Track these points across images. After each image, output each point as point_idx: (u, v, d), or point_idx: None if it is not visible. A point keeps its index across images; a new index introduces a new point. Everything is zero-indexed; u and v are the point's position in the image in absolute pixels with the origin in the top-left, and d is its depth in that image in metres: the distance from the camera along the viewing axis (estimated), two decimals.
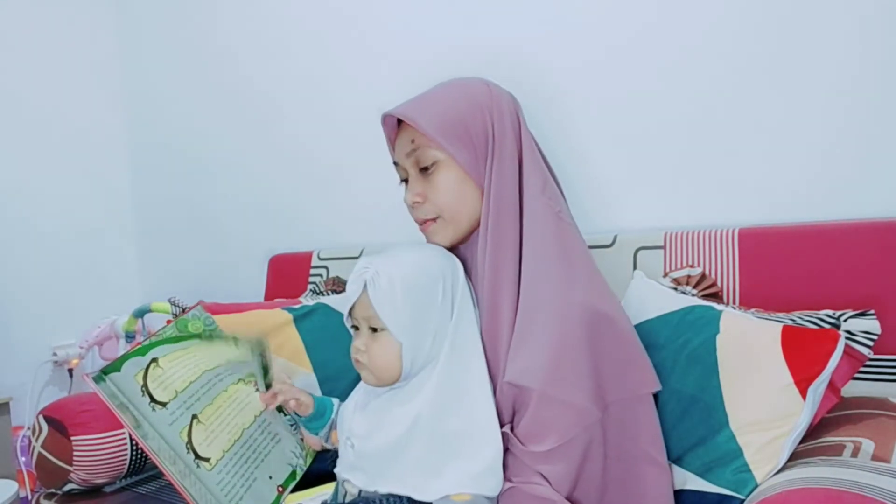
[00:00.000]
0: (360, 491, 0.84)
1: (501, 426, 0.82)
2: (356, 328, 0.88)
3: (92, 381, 0.87)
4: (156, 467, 1.25)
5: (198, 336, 1.01)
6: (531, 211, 0.88)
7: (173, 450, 0.88)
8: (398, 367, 0.84)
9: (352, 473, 0.86)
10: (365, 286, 0.83)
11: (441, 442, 0.80)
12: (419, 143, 0.89)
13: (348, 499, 0.86)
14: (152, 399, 0.90)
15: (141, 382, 0.90)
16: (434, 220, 0.92)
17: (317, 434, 0.98)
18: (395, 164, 0.96)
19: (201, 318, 1.04)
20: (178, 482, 0.85)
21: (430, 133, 0.87)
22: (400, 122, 0.94)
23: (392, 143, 0.97)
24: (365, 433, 0.85)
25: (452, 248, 0.94)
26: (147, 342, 0.95)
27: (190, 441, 0.90)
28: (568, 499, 0.78)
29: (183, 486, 0.85)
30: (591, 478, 0.81)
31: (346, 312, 0.89)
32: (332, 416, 0.97)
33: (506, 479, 0.80)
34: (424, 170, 0.90)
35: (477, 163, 0.89)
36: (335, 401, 0.99)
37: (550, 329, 0.80)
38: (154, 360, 0.93)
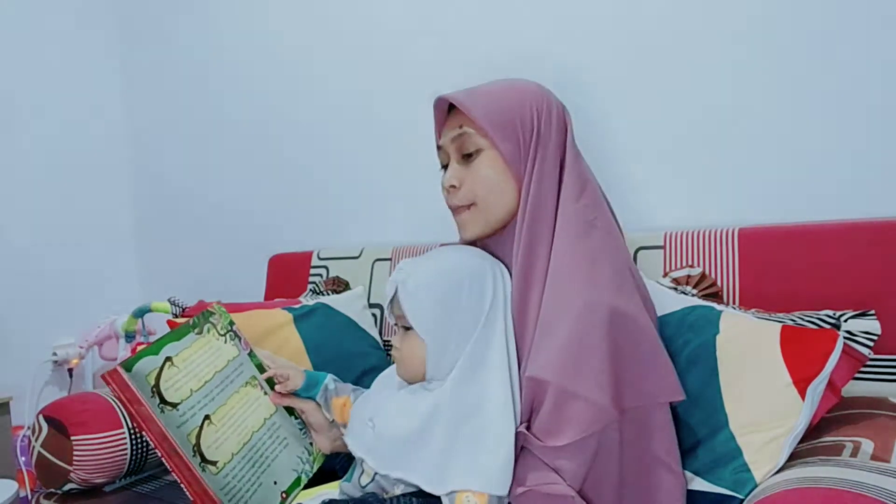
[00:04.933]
0: (376, 473, 0.86)
1: (518, 425, 0.82)
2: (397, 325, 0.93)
3: (123, 371, 0.85)
4: (158, 466, 1.26)
5: (215, 330, 1.00)
6: (564, 216, 0.88)
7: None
8: (423, 365, 0.87)
9: (368, 455, 0.87)
10: (397, 288, 0.89)
11: (457, 437, 0.81)
12: (466, 129, 0.90)
13: (364, 479, 0.87)
14: (162, 400, 0.88)
15: (152, 383, 0.88)
16: (468, 207, 0.92)
17: (314, 400, 1.01)
18: (439, 148, 0.97)
19: (223, 315, 1.04)
20: (198, 475, 0.85)
21: (479, 119, 0.88)
22: (450, 109, 0.95)
23: (440, 127, 0.98)
24: (387, 417, 0.87)
25: (483, 240, 0.95)
26: (160, 339, 0.94)
27: (198, 444, 0.88)
28: (579, 493, 0.78)
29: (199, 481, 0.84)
30: (607, 480, 0.81)
31: (386, 310, 0.94)
32: (325, 382, 1.01)
33: (520, 478, 0.79)
34: (467, 156, 0.91)
35: (519, 157, 0.89)
36: (330, 375, 1.03)
37: (571, 326, 0.80)
38: (168, 358, 0.92)
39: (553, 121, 0.91)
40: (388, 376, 0.97)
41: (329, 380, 1.02)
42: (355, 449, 0.89)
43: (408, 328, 0.89)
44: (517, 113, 0.89)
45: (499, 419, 0.81)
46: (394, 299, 0.90)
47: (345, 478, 0.93)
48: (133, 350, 1.77)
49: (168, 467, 0.86)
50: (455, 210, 0.94)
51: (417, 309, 0.86)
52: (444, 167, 0.96)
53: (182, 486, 0.86)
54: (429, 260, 0.91)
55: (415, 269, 0.88)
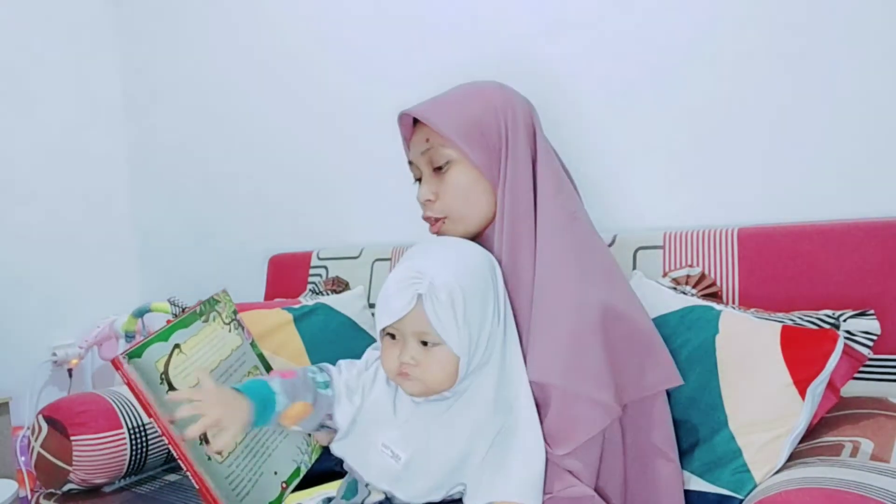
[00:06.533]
0: (385, 495, 0.81)
1: None
2: (392, 336, 0.80)
3: (125, 360, 0.84)
4: (157, 467, 1.26)
5: (220, 318, 0.99)
6: (544, 213, 0.88)
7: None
8: (454, 380, 0.78)
9: (396, 485, 0.79)
10: (419, 299, 0.75)
11: (493, 450, 0.78)
12: (433, 142, 0.90)
13: (372, 499, 0.82)
14: (171, 387, 0.87)
15: (161, 370, 0.88)
16: (442, 220, 0.92)
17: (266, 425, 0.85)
18: (410, 162, 0.96)
19: (228, 303, 1.03)
20: (197, 470, 0.84)
21: (445, 131, 0.87)
22: (415, 121, 0.95)
23: (407, 142, 0.97)
24: (420, 446, 0.79)
25: None
26: (169, 325, 0.92)
27: (204, 433, 0.86)
28: (595, 490, 0.78)
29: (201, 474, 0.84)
30: (614, 473, 0.82)
31: (386, 322, 0.77)
32: (277, 409, 0.82)
33: (545, 487, 0.78)
34: (438, 169, 0.91)
35: (491, 163, 0.89)
36: (274, 384, 0.82)
37: (565, 326, 0.80)
38: (177, 345, 0.91)
39: (520, 121, 0.90)
40: (382, 394, 0.86)
41: (278, 397, 0.82)
42: (375, 481, 0.81)
43: (426, 343, 0.77)
44: (482, 119, 0.89)
45: (531, 427, 0.79)
46: (411, 312, 0.75)
47: (342, 496, 0.88)
48: None
49: (175, 455, 0.85)
50: (432, 223, 0.93)
51: (453, 323, 0.75)
52: (418, 180, 0.95)
53: (188, 474, 0.86)
54: (444, 256, 0.81)
55: (440, 274, 0.76)
